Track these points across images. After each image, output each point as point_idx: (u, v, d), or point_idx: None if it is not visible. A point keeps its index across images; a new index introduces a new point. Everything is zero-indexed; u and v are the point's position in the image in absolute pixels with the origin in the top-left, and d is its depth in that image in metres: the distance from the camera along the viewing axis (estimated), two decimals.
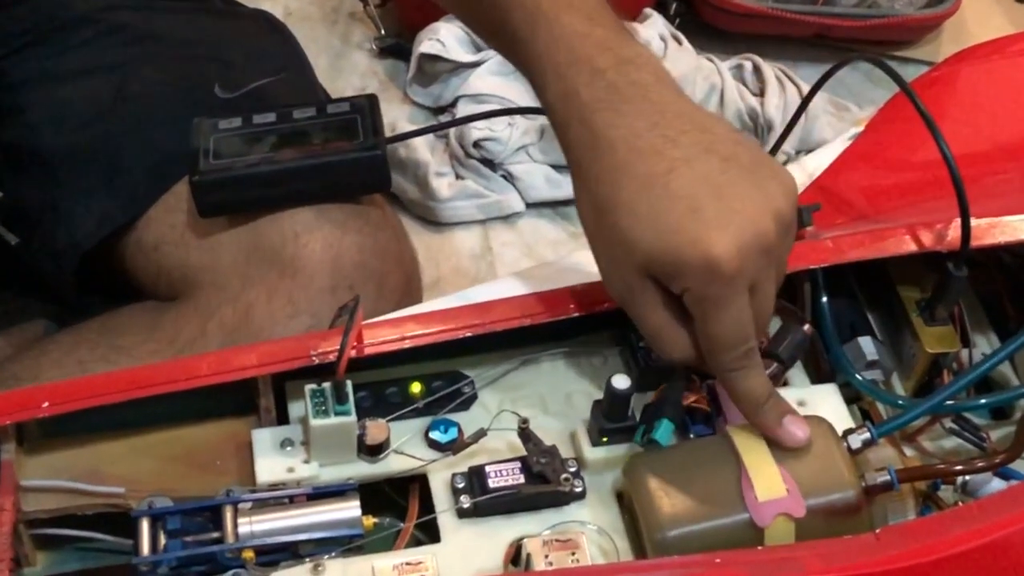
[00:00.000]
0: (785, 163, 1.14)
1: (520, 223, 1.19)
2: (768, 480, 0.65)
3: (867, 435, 0.68)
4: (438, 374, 0.73)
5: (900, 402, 0.72)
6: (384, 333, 0.71)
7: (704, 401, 0.71)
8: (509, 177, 1.18)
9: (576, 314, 0.73)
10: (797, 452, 0.66)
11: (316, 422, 0.67)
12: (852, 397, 0.76)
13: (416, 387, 0.73)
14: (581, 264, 0.82)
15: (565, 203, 1.19)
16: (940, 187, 0.77)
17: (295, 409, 0.71)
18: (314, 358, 0.69)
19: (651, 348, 0.70)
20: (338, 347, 0.67)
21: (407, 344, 0.71)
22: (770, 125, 1.18)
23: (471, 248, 1.16)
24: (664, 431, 0.66)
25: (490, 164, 1.17)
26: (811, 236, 0.77)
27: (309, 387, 0.68)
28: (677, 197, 0.64)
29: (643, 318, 0.67)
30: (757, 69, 1.22)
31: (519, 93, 1.20)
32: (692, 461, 0.66)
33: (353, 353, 0.69)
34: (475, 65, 1.21)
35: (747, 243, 0.63)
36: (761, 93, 1.21)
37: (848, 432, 0.68)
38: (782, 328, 0.73)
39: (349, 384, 0.68)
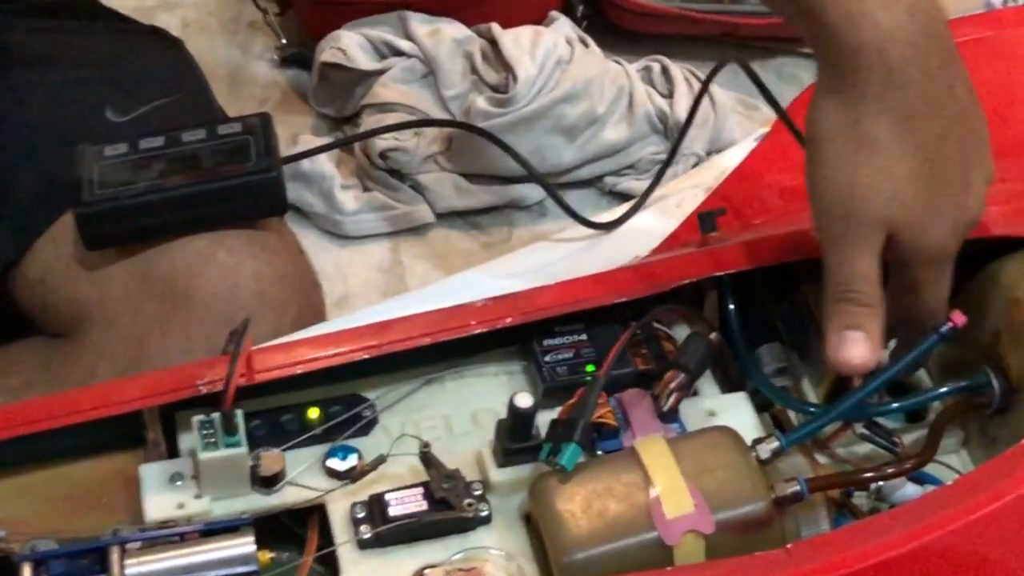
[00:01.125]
0: (695, 165, 1.12)
1: (430, 234, 1.16)
2: (676, 496, 0.63)
3: (776, 444, 0.66)
4: (336, 398, 0.71)
5: (811, 409, 0.71)
6: (276, 359, 0.68)
7: (611, 416, 0.69)
8: (418, 187, 1.15)
9: (479, 330, 0.70)
10: (705, 464, 0.64)
11: (205, 455, 0.64)
12: (764, 405, 0.74)
13: (313, 413, 0.70)
14: (490, 275, 0.80)
15: (476, 212, 1.17)
16: None
17: (185, 441, 0.68)
18: (201, 388, 0.66)
19: (840, 286, 0.65)
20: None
21: (300, 370, 0.68)
22: (679, 127, 1.16)
23: (380, 262, 1.13)
24: (570, 456, 0.64)
25: (398, 175, 1.15)
26: (718, 242, 0.75)
27: (197, 418, 0.65)
28: (945, 165, 0.62)
29: (859, 258, 0.64)
30: (665, 70, 1.21)
31: (425, 101, 1.18)
32: (599, 479, 0.64)
33: (243, 381, 0.66)
34: (379, 73, 1.18)
35: (969, 225, 0.64)
36: (670, 95, 1.19)
37: (757, 442, 0.67)
38: (689, 338, 0.71)
39: (239, 414, 0.65)
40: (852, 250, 0.64)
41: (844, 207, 0.63)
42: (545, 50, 1.14)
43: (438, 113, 1.17)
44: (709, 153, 1.16)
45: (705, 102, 1.17)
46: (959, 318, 0.67)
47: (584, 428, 0.66)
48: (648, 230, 0.81)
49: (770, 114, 1.23)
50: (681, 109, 1.16)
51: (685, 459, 0.65)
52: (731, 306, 0.74)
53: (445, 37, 1.18)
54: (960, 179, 0.63)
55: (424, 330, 0.70)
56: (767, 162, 0.85)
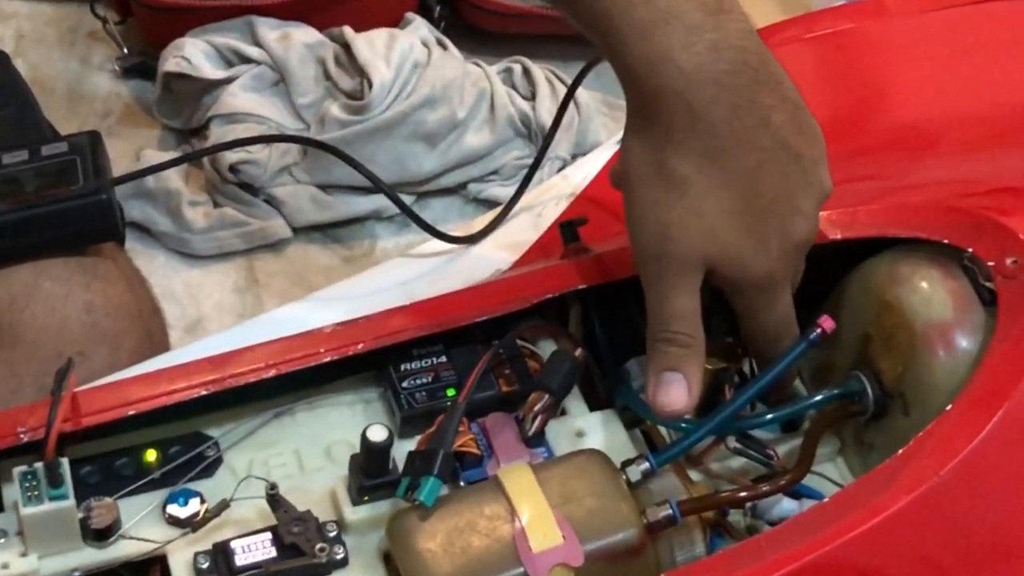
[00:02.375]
0: (560, 169, 1.09)
1: (288, 250, 1.11)
2: (543, 527, 0.59)
3: (646, 465, 0.63)
4: (176, 438, 0.65)
5: (681, 425, 0.67)
6: (105, 399, 0.63)
7: (474, 443, 0.65)
8: (272, 201, 1.10)
9: (328, 358, 0.65)
10: (572, 492, 0.61)
11: (28, 510, 0.58)
12: (635, 420, 0.71)
13: (151, 455, 0.65)
14: (346, 295, 0.75)
15: (336, 225, 1.12)
16: None
17: (9, 494, 0.62)
18: (23, 435, 0.60)
19: (658, 326, 0.64)
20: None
21: (132, 411, 0.62)
22: (543, 130, 1.13)
23: (235, 281, 1.07)
24: (430, 491, 0.60)
25: (250, 189, 1.09)
26: (580, 252, 0.72)
27: (18, 470, 0.59)
28: (758, 196, 0.60)
29: (677, 298, 0.62)
30: (527, 72, 1.17)
31: (277, 110, 1.13)
32: (461, 514, 0.60)
33: (68, 426, 0.60)
34: (226, 82, 1.12)
35: (801, 245, 0.63)
36: (532, 97, 1.15)
37: (626, 464, 0.63)
38: (553, 356, 0.67)
39: (65, 463, 0.59)
40: (668, 290, 0.62)
41: (657, 248, 0.62)
42: (401, 54, 1.10)
43: (291, 122, 1.13)
44: (574, 156, 1.13)
45: (570, 105, 1.14)
46: (828, 323, 0.65)
47: (444, 459, 0.62)
48: (509, 243, 0.77)
49: None
50: (544, 111, 1.13)
51: (551, 487, 0.61)
52: (596, 320, 0.71)
53: (295, 42, 1.13)
54: (783, 205, 0.61)
55: (269, 360, 0.65)
56: None
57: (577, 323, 0.71)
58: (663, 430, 0.70)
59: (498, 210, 0.80)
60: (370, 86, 1.09)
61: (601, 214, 0.78)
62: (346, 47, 1.13)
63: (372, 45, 1.10)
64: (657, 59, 0.58)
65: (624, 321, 0.72)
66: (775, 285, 0.62)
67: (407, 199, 1.13)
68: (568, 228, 0.72)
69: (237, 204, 1.09)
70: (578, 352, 0.67)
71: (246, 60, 1.14)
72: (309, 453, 0.67)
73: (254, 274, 1.08)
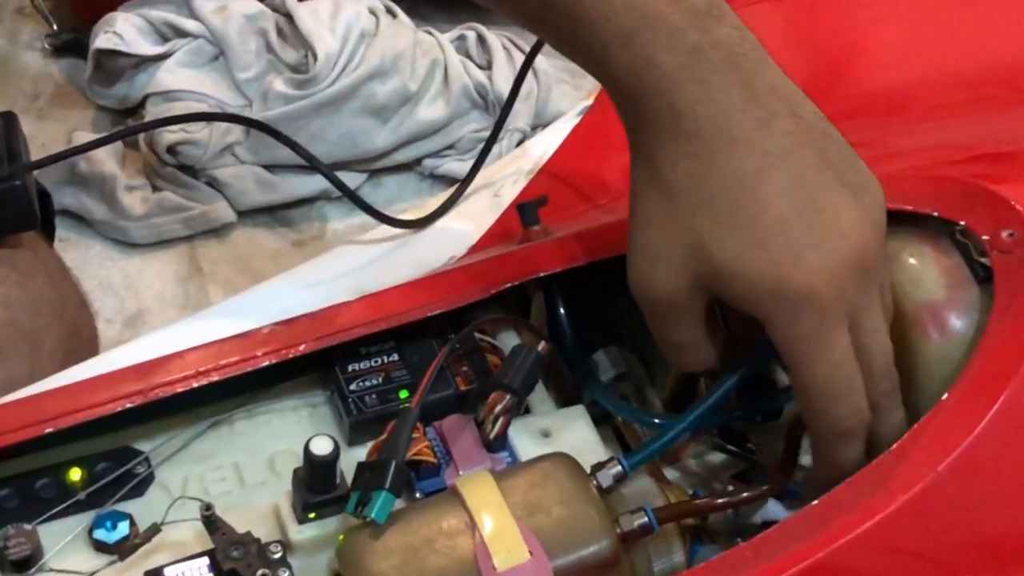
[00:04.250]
0: (520, 142, 1.03)
1: (233, 235, 1.05)
2: (507, 543, 0.54)
3: (618, 468, 0.58)
4: (102, 454, 0.60)
5: (655, 421, 0.62)
6: (18, 416, 0.57)
7: (429, 451, 0.59)
8: (214, 184, 1.04)
9: (267, 362, 0.60)
10: (538, 501, 0.56)
11: None
12: (604, 415, 0.65)
13: (75, 474, 0.59)
14: (291, 287, 0.69)
15: (282, 207, 1.06)
16: None
17: None
18: None
19: (666, 356, 0.59)
20: None
21: (49, 428, 0.56)
22: (501, 101, 1.07)
23: (176, 270, 1.01)
24: (382, 506, 0.54)
25: (190, 171, 1.03)
26: (541, 236, 0.66)
27: None
28: (766, 204, 0.53)
29: (673, 331, 0.57)
30: (482, 40, 1.11)
31: (217, 86, 1.06)
32: (418, 530, 0.55)
33: None
34: (162, 58, 1.06)
35: (844, 264, 0.53)
36: (488, 66, 1.10)
37: (597, 468, 0.58)
38: (513, 351, 0.62)
39: None
40: (664, 325, 0.57)
41: (644, 276, 0.56)
42: (347, 23, 1.04)
43: (232, 98, 1.06)
44: (534, 128, 1.07)
45: (528, 73, 1.08)
46: None
47: (396, 471, 0.56)
48: (464, 226, 0.71)
49: (597, 84, 1.15)
50: (502, 81, 1.07)
51: (515, 496, 0.56)
52: (560, 309, 0.65)
53: (234, 13, 1.07)
54: (809, 217, 0.53)
55: (200, 367, 0.59)
56: (595, 137, 0.76)
57: (540, 313, 0.66)
58: (636, 427, 0.65)
59: (452, 189, 0.74)
60: (315, 58, 1.03)
61: (564, 192, 0.72)
62: (288, 17, 1.07)
63: (316, 15, 1.04)
64: (640, 64, 0.54)
65: (590, 309, 0.67)
66: (816, 307, 0.53)
67: (358, 177, 1.08)
68: (527, 209, 0.66)
69: (177, 188, 1.03)
70: (541, 345, 0.62)
71: (182, 34, 1.07)
72: (250, 466, 0.61)
73: (197, 262, 1.02)
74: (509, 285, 0.62)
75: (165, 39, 1.08)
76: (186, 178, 1.03)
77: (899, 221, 0.61)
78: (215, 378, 0.59)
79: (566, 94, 1.09)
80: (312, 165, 0.69)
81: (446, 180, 1.08)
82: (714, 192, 0.53)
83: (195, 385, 0.59)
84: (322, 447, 0.56)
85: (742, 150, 0.53)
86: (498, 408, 0.60)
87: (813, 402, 0.55)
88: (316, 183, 1.05)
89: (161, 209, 1.01)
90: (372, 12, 1.07)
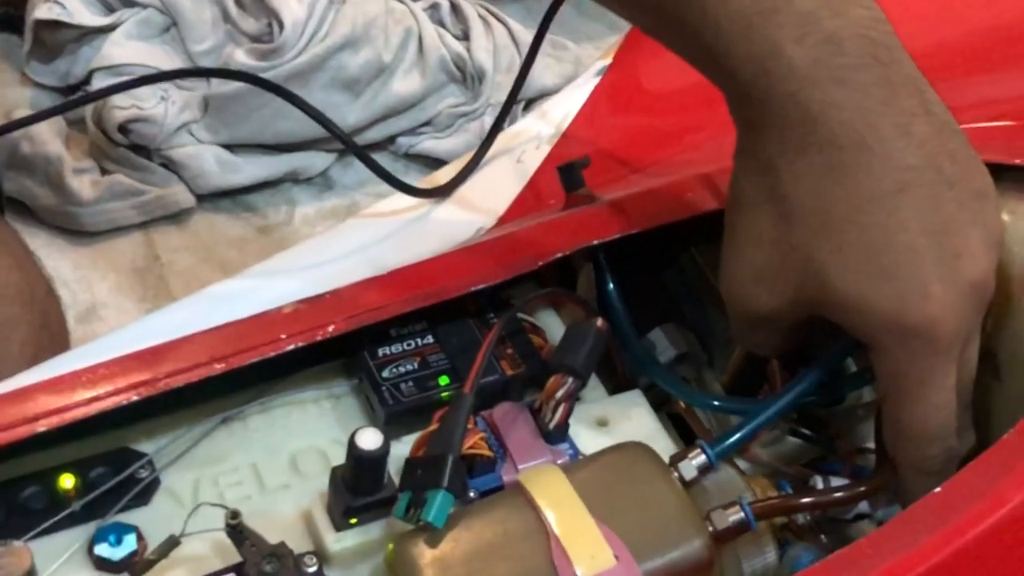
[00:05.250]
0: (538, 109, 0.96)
1: (192, 221, 0.96)
2: (588, 546, 0.47)
3: (702, 458, 0.51)
4: (99, 456, 0.51)
5: (739, 407, 0.55)
6: (4, 412, 0.48)
7: (484, 444, 0.52)
8: (171, 165, 0.94)
9: (291, 345, 0.51)
10: (618, 498, 0.48)
11: None
12: (656, 401, 0.58)
13: (68, 481, 0.50)
14: (288, 268, 0.61)
15: (247, 190, 0.97)
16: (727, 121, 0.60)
17: None
18: None
19: (738, 342, 0.55)
20: None
21: (41, 426, 0.48)
22: (481, 73, 0.99)
23: (132, 260, 0.92)
24: (440, 509, 0.47)
25: (144, 151, 0.94)
26: (587, 201, 0.59)
27: None
28: (899, 229, 0.46)
29: (760, 338, 0.52)
30: (456, 8, 1.04)
31: (168, 59, 0.98)
32: (481, 535, 0.47)
33: None
34: (109, 29, 0.97)
35: (966, 296, 0.47)
36: (465, 36, 1.02)
37: (677, 458, 0.51)
38: (571, 329, 0.54)
39: None
40: (753, 334, 0.52)
41: (747, 300, 0.50)
42: None
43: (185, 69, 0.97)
44: (518, 102, 0.99)
45: (508, 44, 1.01)
46: None
47: (454, 467, 0.48)
48: (489, 195, 0.63)
49: (581, 53, 1.09)
50: (481, 52, 1.00)
51: (591, 493, 0.49)
52: (610, 283, 0.58)
53: None
54: (941, 242, 0.47)
55: (215, 353, 0.51)
56: (619, 98, 0.69)
57: (588, 287, 0.58)
58: (701, 413, 0.58)
59: (466, 158, 0.66)
60: (280, 27, 0.94)
61: (594, 156, 0.65)
62: None
63: None
64: (764, 56, 0.46)
65: (640, 283, 0.60)
66: (934, 345, 0.47)
67: (327, 158, 0.99)
68: (570, 172, 0.59)
69: (130, 170, 0.94)
70: (599, 322, 0.54)
71: (130, 3, 0.98)
72: (270, 467, 0.53)
73: (154, 250, 0.93)
74: (560, 255, 0.55)
75: (111, 9, 0.98)
76: (139, 159, 0.94)
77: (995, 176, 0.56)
78: (235, 365, 0.50)
79: (548, 67, 1.02)
80: (331, 131, 0.61)
81: (422, 160, 1.00)
82: (842, 214, 0.47)
83: (210, 374, 0.50)
84: (370, 441, 0.48)
85: (880, 166, 0.46)
86: (559, 393, 0.53)
87: (906, 440, 0.50)
88: (282, 163, 0.97)
89: (113, 194, 0.92)
90: None
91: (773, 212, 0.48)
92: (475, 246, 0.56)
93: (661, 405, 0.59)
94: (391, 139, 1.00)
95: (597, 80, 0.71)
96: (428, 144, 1.00)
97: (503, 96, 1.00)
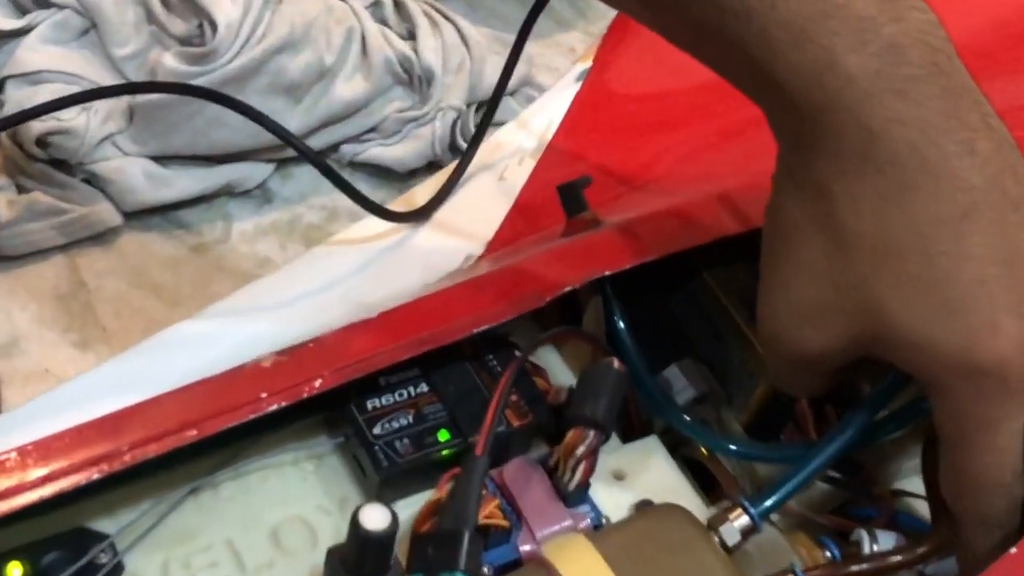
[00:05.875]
0: (455, 121, 0.90)
1: (119, 242, 0.87)
2: None
3: (745, 519, 0.46)
4: (52, 539, 0.44)
5: (782, 453, 0.50)
6: None
7: (499, 513, 0.45)
8: (95, 181, 0.86)
9: (274, 405, 0.45)
10: (657, 572, 0.43)
11: None
12: (669, 444, 0.53)
13: (16, 570, 0.43)
14: (253, 309, 0.54)
15: (178, 206, 0.89)
16: (736, 129, 0.55)
17: None
18: None
19: (776, 384, 0.49)
20: None
21: None
22: (429, 76, 0.92)
23: (55, 286, 0.84)
24: None
25: (65, 167, 0.85)
26: (591, 225, 0.53)
27: None
28: (966, 258, 0.41)
29: (801, 380, 0.47)
30: (400, 6, 0.97)
31: (88, 65, 0.89)
32: None
33: None
34: (21, 33, 0.88)
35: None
36: (411, 35, 0.95)
37: (717, 521, 0.46)
38: (589, 373, 0.48)
39: None
40: (796, 376, 0.47)
41: (793, 341, 0.45)
42: None
43: (110, 79, 0.89)
44: (469, 105, 0.93)
45: (457, 43, 0.94)
46: None
47: (471, 544, 0.42)
48: (474, 218, 0.57)
49: (532, 51, 1.03)
50: (429, 52, 0.93)
51: (625, 566, 0.43)
52: (618, 316, 0.52)
53: None
54: (1009, 272, 0.42)
55: (185, 417, 0.44)
56: (606, 106, 0.63)
57: (596, 322, 0.52)
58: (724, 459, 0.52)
59: (442, 175, 0.60)
60: (213, 28, 0.86)
61: (587, 171, 0.59)
62: None
63: None
64: (818, 66, 0.40)
65: (652, 313, 0.54)
66: (1003, 386, 0.42)
67: (264, 169, 0.92)
68: (571, 193, 0.53)
69: (49, 187, 0.85)
70: (615, 364, 0.48)
71: (45, 4, 0.89)
72: (249, 543, 0.46)
73: (79, 275, 0.85)
74: (569, 289, 0.49)
75: (24, 11, 0.90)
76: (60, 175, 0.85)
77: None
78: (209, 431, 0.43)
79: (499, 66, 0.95)
80: (284, 139, 0.54)
81: (368, 168, 0.93)
82: (905, 243, 0.41)
83: (183, 444, 0.43)
84: (378, 520, 0.41)
85: (945, 187, 0.41)
86: (580, 449, 0.47)
87: (970, 492, 0.44)
88: (216, 175, 0.89)
89: (31, 214, 0.83)
90: None
91: (827, 242, 0.43)
92: (473, 280, 0.49)
93: (675, 448, 0.53)
94: (334, 147, 0.93)
95: (578, 85, 0.65)
96: (375, 151, 0.93)
97: (454, 99, 0.94)
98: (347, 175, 0.93)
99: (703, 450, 0.52)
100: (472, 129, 0.93)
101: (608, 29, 0.68)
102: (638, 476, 0.50)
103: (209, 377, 0.45)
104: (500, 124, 0.69)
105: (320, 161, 0.56)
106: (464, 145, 0.93)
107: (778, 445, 0.51)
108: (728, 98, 0.55)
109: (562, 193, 0.53)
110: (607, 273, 0.49)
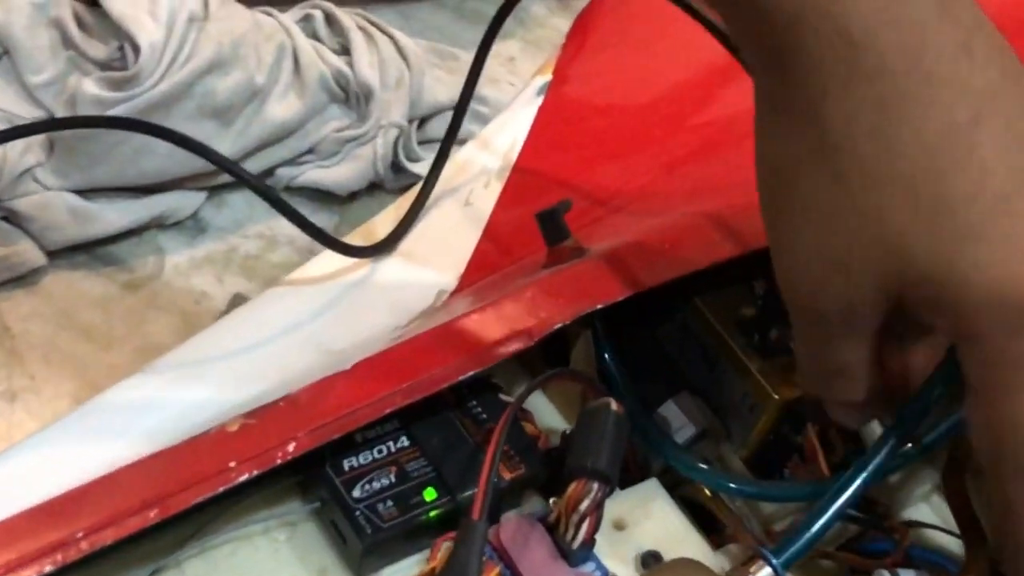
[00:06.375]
0: (397, 138, 0.85)
1: (44, 283, 0.81)
2: None
3: (768, 572, 0.42)
4: None
5: (805, 490, 0.46)
6: None
7: None
8: (14, 219, 0.80)
9: (243, 476, 0.40)
10: None
11: None
12: (666, 484, 0.49)
13: None
14: (201, 358, 0.49)
15: (106, 242, 0.83)
16: (719, 141, 0.52)
17: None
18: None
19: (812, 387, 0.43)
20: None
21: None
22: (367, 92, 0.88)
23: None
24: None
25: None
26: (576, 254, 0.49)
27: None
28: (983, 172, 0.37)
29: (837, 350, 0.41)
30: (331, 19, 0.92)
31: (2, 94, 0.83)
32: None
33: None
34: None
35: None
36: (345, 50, 0.90)
37: (735, 574, 0.42)
38: (586, 417, 0.44)
39: None
40: (830, 344, 0.41)
41: (816, 294, 0.39)
42: (169, 4, 0.82)
43: (25, 108, 0.83)
44: (411, 121, 0.88)
45: (394, 56, 0.90)
46: None
47: None
48: (440, 248, 0.53)
49: (467, 57, 0.98)
50: (365, 68, 0.88)
51: None
52: (607, 352, 0.48)
53: (17, 2, 0.83)
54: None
55: (147, 494, 0.39)
56: (573, 121, 0.59)
57: (585, 359, 0.49)
58: (735, 504, 0.49)
59: (403, 202, 0.55)
60: (135, 51, 0.81)
61: (560, 192, 0.55)
62: (91, 2, 0.84)
63: None
64: None
65: (647, 346, 0.51)
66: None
67: (196, 197, 0.86)
68: (551, 220, 0.49)
69: None
70: (615, 406, 0.44)
71: None
72: None
73: (2, 319, 0.79)
74: (560, 325, 0.45)
75: None
76: None
77: None
78: (174, 509, 0.39)
79: (440, 80, 0.91)
80: (230, 172, 0.49)
81: (307, 192, 0.88)
82: (912, 161, 0.37)
83: (145, 526, 0.38)
84: None
85: (947, 92, 0.37)
86: (584, 504, 0.43)
87: (1006, 440, 0.39)
88: (145, 207, 0.83)
89: None
90: None
91: (827, 174, 0.38)
92: (453, 322, 0.45)
93: (672, 488, 0.49)
94: (269, 171, 0.88)
95: (540, 100, 0.61)
96: (313, 175, 0.88)
97: (394, 116, 0.89)
98: (284, 199, 0.88)
99: (707, 492, 0.48)
100: (416, 147, 0.89)
101: (566, 39, 0.64)
102: (640, 524, 0.46)
103: (169, 447, 0.40)
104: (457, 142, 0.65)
105: (275, 197, 0.50)
106: (408, 165, 0.89)
107: (795, 484, 0.47)
108: (700, 105, 0.52)
109: (541, 221, 0.49)
110: (600, 306, 0.45)
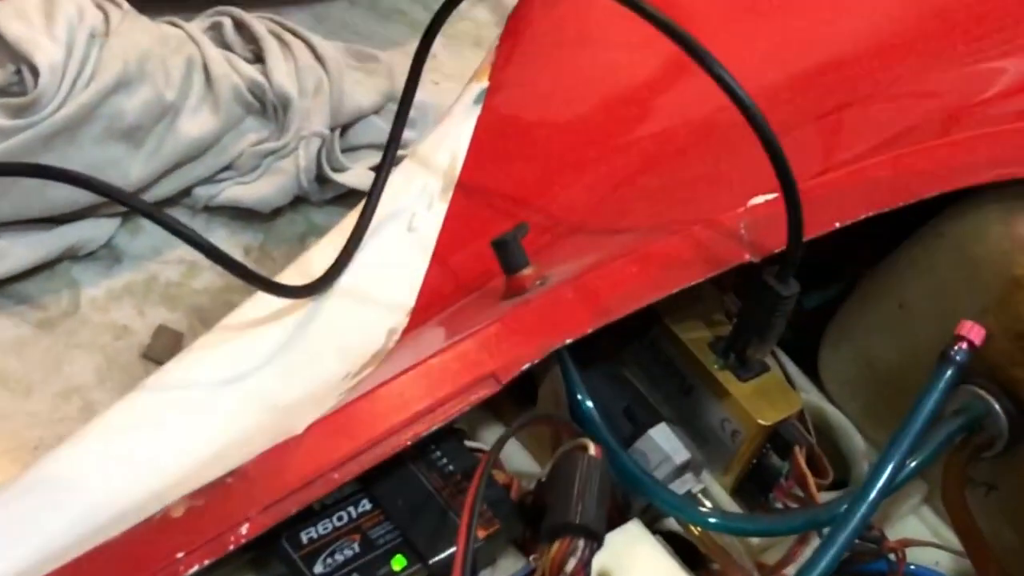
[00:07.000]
0: (320, 147, 0.81)
1: None
2: None
3: None
4: None
5: (789, 525, 0.43)
6: None
7: None
8: None
9: (193, 567, 0.36)
10: None
11: None
12: (650, 522, 0.46)
13: None
14: (135, 422, 0.45)
15: (15, 279, 0.78)
16: (665, 153, 0.49)
17: None
18: None
19: None
20: None
21: None
22: (284, 102, 0.83)
23: None
24: None
25: None
26: (535, 283, 0.45)
27: None
28: None
29: None
30: (241, 25, 0.87)
31: None
32: None
33: None
34: None
35: None
36: (258, 58, 0.85)
37: None
38: (563, 466, 0.41)
39: None
40: None
41: None
42: (68, 22, 0.77)
43: None
44: (333, 129, 0.84)
45: (311, 62, 0.85)
46: (976, 332, 0.42)
47: None
48: (385, 281, 0.48)
49: (393, 62, 0.94)
50: (281, 75, 0.84)
51: None
52: (579, 390, 0.44)
53: None
54: None
55: None
56: (516, 131, 0.55)
57: (555, 395, 0.45)
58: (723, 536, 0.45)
59: (339, 233, 0.51)
60: (34, 74, 0.76)
61: (510, 212, 0.51)
62: None
63: (24, 17, 0.77)
64: None
65: (619, 379, 0.47)
66: None
67: (109, 225, 0.82)
68: (508, 248, 0.45)
69: None
70: (594, 450, 0.41)
71: None
72: None
73: None
74: (528, 365, 0.41)
75: None
76: None
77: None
78: None
79: (359, 83, 0.86)
80: (119, 200, 0.43)
81: (227, 212, 0.84)
82: None
83: None
84: None
85: None
86: (571, 565, 0.39)
87: None
88: (57, 239, 0.78)
89: None
90: (97, 6, 0.80)
91: None
92: (412, 369, 0.41)
93: (652, 523, 0.46)
94: (186, 191, 0.83)
95: (478, 109, 0.56)
96: (233, 192, 0.83)
97: (315, 125, 0.85)
98: (203, 221, 0.84)
99: (695, 530, 0.45)
100: (340, 156, 0.85)
101: (499, 40, 0.60)
102: (627, 572, 0.42)
103: (108, 540, 0.36)
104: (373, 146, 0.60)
105: (202, 241, 0.45)
106: (333, 175, 0.85)
107: (790, 516, 0.44)
108: (644, 110, 0.49)
109: (498, 248, 0.45)
110: (570, 340, 0.42)
